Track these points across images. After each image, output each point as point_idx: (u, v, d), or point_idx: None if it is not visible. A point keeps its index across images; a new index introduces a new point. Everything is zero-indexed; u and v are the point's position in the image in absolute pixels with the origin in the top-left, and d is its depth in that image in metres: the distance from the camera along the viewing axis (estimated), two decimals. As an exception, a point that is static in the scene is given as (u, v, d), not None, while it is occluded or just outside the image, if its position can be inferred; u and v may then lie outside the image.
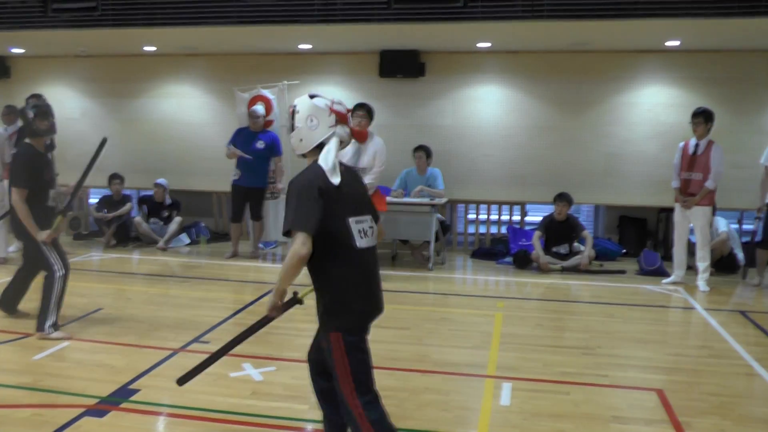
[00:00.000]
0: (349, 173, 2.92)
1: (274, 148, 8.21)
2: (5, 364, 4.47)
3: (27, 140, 5.13)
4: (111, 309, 5.94)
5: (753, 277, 7.18)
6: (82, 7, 7.74)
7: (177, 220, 9.20)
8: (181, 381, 3.40)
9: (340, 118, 2.86)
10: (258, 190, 8.23)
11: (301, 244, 2.62)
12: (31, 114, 5.08)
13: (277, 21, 7.50)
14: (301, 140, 2.86)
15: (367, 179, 6.68)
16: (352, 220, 2.77)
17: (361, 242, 2.78)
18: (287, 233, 2.70)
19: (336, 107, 2.87)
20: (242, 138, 8.13)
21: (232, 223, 8.45)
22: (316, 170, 2.75)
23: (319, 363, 3.04)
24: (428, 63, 8.97)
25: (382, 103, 8.78)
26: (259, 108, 8.24)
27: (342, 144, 2.86)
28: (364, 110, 6.75)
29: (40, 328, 4.96)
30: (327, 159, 2.75)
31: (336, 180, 2.73)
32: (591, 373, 4.41)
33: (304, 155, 2.91)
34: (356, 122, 6.64)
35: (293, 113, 2.89)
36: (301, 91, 9.14)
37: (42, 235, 4.91)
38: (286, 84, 8.60)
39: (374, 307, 2.91)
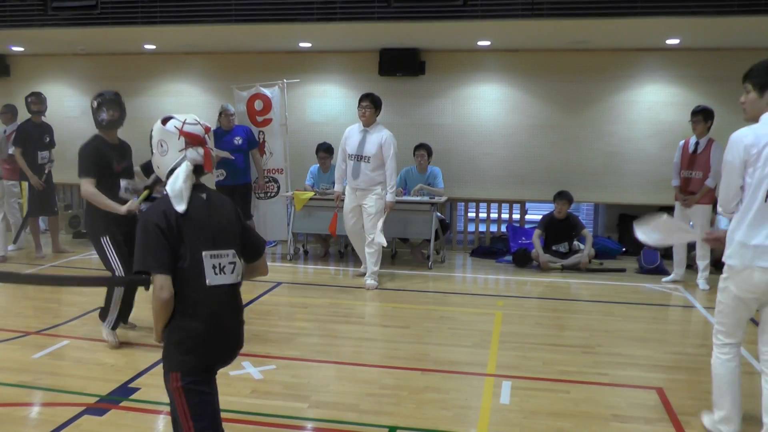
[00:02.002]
0: (214, 201, 2.67)
1: (252, 141, 8.23)
2: (5, 362, 4.47)
3: (97, 132, 5.21)
4: (111, 307, 5.93)
5: None
6: (81, 5, 7.72)
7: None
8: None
9: (192, 140, 2.64)
10: (243, 188, 8.23)
11: (159, 288, 2.43)
12: (95, 104, 5.10)
13: (277, 19, 7.50)
14: (158, 167, 2.69)
15: (388, 197, 6.75)
16: (206, 254, 2.52)
17: (214, 279, 2.52)
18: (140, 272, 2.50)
19: (188, 128, 2.64)
20: (218, 139, 8.12)
21: None
22: (163, 207, 2.53)
23: None
24: (428, 61, 8.96)
25: (382, 101, 8.76)
26: (230, 106, 8.24)
27: (198, 168, 2.64)
28: (369, 100, 6.76)
29: (102, 318, 4.94)
30: (174, 185, 2.54)
31: (180, 207, 2.51)
32: (591, 372, 4.42)
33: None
34: (362, 112, 6.72)
35: (150, 137, 2.71)
36: (300, 90, 9.21)
37: (123, 209, 4.67)
38: (285, 83, 8.59)
39: (217, 353, 2.60)
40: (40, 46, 9.57)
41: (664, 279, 7.24)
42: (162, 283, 2.43)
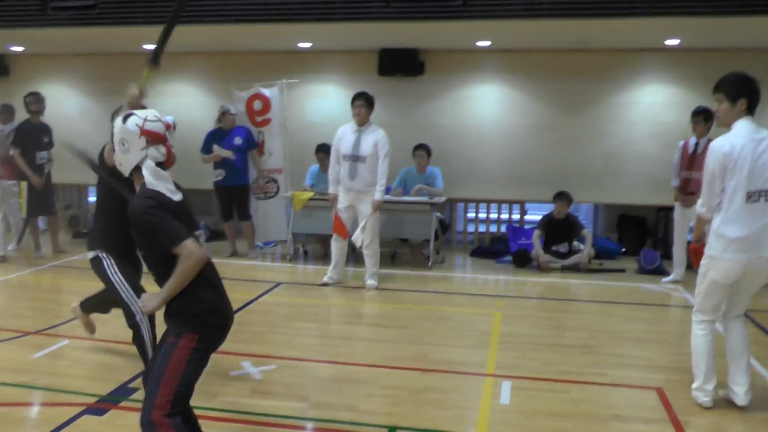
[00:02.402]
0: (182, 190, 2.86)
1: (251, 142, 8.23)
2: (5, 362, 4.47)
3: None
4: (110, 307, 5.93)
5: None
6: (80, 5, 7.72)
7: None
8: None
9: (153, 139, 2.71)
10: (242, 188, 8.22)
11: (190, 252, 2.62)
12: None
13: (276, 19, 7.49)
14: (120, 164, 2.79)
15: (377, 195, 6.64)
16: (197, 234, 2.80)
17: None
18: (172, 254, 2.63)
19: (149, 126, 2.71)
20: (218, 139, 8.13)
21: (224, 223, 8.47)
22: (149, 193, 2.67)
23: None
24: (428, 61, 8.96)
25: (381, 101, 8.74)
26: (230, 106, 8.25)
27: (161, 164, 2.75)
28: (363, 99, 6.71)
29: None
30: (155, 183, 2.69)
31: (177, 197, 2.75)
32: (590, 372, 4.41)
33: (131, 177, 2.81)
34: (356, 111, 6.64)
35: (111, 136, 2.79)
36: (300, 90, 9.21)
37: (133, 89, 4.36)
38: (285, 82, 8.59)
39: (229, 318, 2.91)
40: (40, 46, 9.56)
41: (664, 279, 7.24)
42: (191, 246, 2.61)
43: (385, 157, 6.65)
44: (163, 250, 2.65)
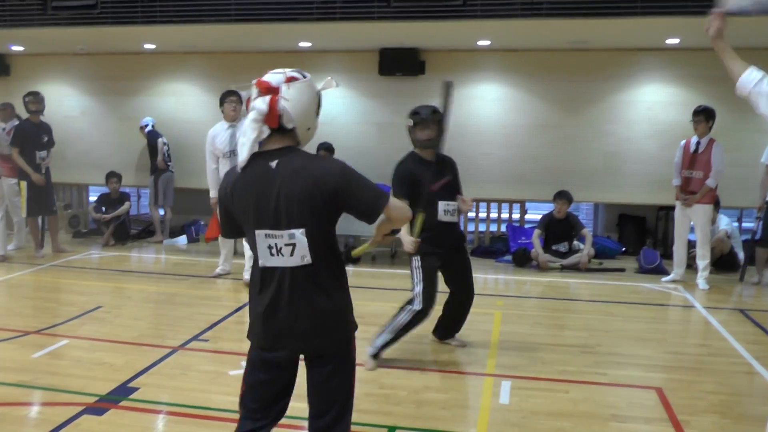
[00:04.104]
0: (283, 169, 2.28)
1: None
2: (4, 362, 4.47)
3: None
4: (110, 307, 5.94)
5: (752, 275, 7.18)
6: (81, 5, 7.73)
7: (126, 205, 9.20)
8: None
9: (263, 89, 2.42)
10: None
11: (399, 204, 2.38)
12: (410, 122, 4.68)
13: (277, 19, 7.49)
14: (309, 129, 2.41)
15: None
16: (259, 233, 2.29)
17: (268, 260, 2.30)
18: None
19: (265, 77, 2.45)
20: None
21: None
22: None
23: None
24: (428, 61, 8.96)
25: (382, 101, 8.78)
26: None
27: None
28: (237, 96, 6.74)
29: (372, 344, 4.51)
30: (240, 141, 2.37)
31: (241, 163, 2.33)
32: (590, 372, 4.41)
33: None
34: (231, 107, 6.66)
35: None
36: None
37: (408, 246, 4.12)
38: (285, 82, 8.58)
39: (264, 342, 2.38)
40: (40, 46, 9.57)
41: (664, 279, 7.24)
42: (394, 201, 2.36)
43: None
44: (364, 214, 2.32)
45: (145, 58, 9.84)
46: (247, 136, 2.31)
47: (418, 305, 4.40)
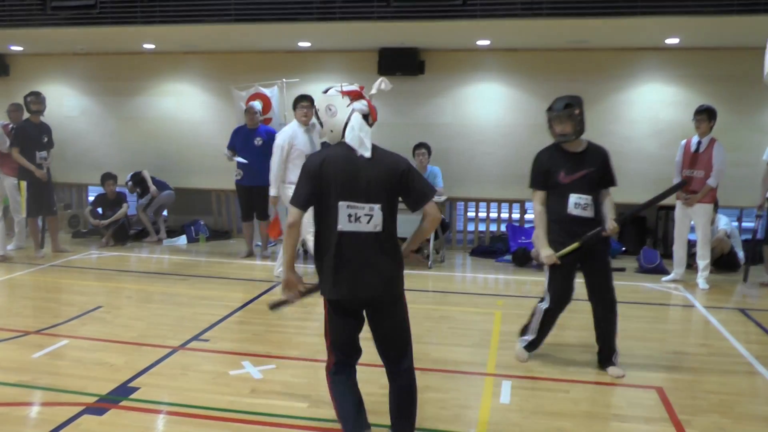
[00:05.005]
0: (374, 158, 2.96)
1: (272, 143, 8.16)
2: (5, 362, 4.47)
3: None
4: (110, 307, 5.94)
5: (760, 275, 7.15)
6: (81, 5, 7.73)
7: (124, 207, 9.20)
8: (273, 307, 3.45)
9: (354, 96, 3.02)
10: (261, 189, 8.14)
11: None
12: None
13: (276, 19, 7.50)
14: (331, 130, 3.03)
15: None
16: (342, 204, 2.90)
17: (346, 226, 2.92)
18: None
19: (347, 88, 3.04)
20: (241, 137, 8.10)
21: (243, 223, 8.43)
22: (340, 147, 2.99)
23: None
24: (428, 61, 8.96)
25: (381, 101, 8.73)
26: (256, 104, 8.21)
27: (365, 117, 3.02)
28: (309, 101, 6.79)
29: (520, 338, 4.66)
30: (352, 134, 2.93)
31: (366, 153, 2.94)
32: (590, 371, 4.41)
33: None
34: (303, 112, 6.76)
35: (315, 113, 3.10)
36: (299, 89, 9.14)
37: (546, 258, 4.30)
38: (285, 82, 8.58)
39: (347, 292, 2.99)
40: (40, 46, 9.57)
41: (664, 278, 7.24)
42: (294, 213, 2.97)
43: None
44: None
45: (145, 58, 9.84)
46: (364, 130, 2.95)
47: (545, 303, 4.43)
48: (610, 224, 4.22)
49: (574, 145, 4.40)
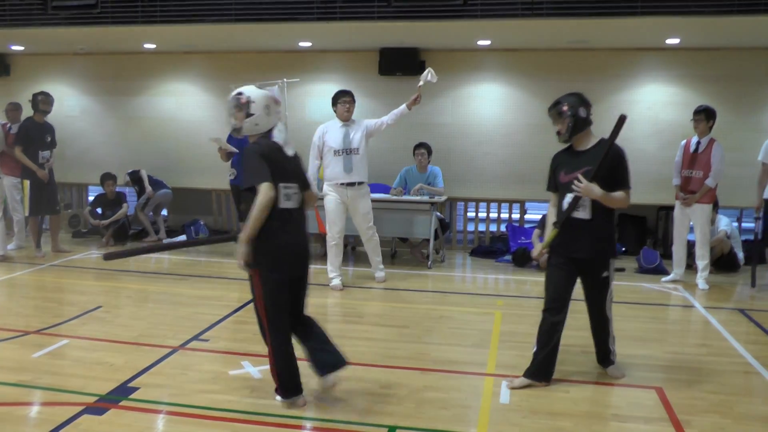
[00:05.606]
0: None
1: None
2: (5, 361, 4.47)
3: None
4: (110, 307, 5.94)
5: (764, 276, 7.15)
6: (81, 4, 7.73)
7: (124, 207, 9.21)
8: (108, 256, 4.14)
9: (279, 104, 3.68)
10: (253, 188, 8.13)
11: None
12: None
13: (277, 18, 7.50)
14: (257, 125, 3.65)
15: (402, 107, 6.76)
16: (281, 185, 3.59)
17: (284, 203, 3.62)
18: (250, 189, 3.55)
19: (278, 97, 3.75)
20: (235, 138, 8.08)
21: (240, 222, 8.41)
22: (264, 142, 3.67)
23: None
24: (428, 61, 8.95)
25: (382, 101, 8.78)
26: None
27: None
28: (350, 96, 6.80)
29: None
30: (282, 137, 3.70)
31: (291, 152, 3.73)
32: (590, 371, 4.41)
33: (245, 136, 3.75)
34: (345, 107, 6.72)
35: (247, 103, 3.61)
36: (300, 89, 9.20)
37: (534, 252, 4.27)
38: (285, 82, 8.59)
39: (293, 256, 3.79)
40: (40, 46, 9.57)
41: (664, 279, 7.24)
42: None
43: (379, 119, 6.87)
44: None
45: (145, 58, 9.84)
46: (285, 133, 3.78)
47: (544, 307, 4.18)
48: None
49: (581, 144, 4.32)
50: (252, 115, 3.61)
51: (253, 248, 3.61)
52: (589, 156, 4.19)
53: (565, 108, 4.28)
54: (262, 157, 3.53)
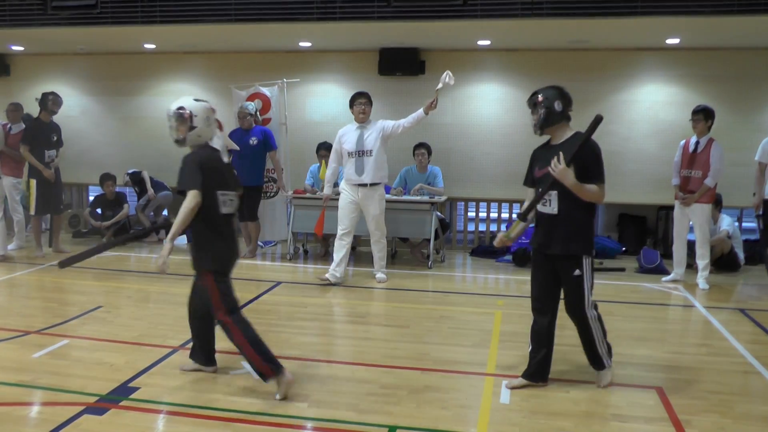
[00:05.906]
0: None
1: (267, 143, 8.15)
2: (5, 361, 4.47)
3: None
4: (110, 307, 5.94)
5: (762, 276, 7.15)
6: (81, 4, 7.73)
7: (125, 208, 9.23)
8: (62, 264, 4.20)
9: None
10: (254, 189, 8.13)
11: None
12: None
13: (277, 19, 7.50)
14: (199, 136, 3.90)
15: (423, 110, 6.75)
16: (220, 193, 3.85)
17: (224, 209, 3.91)
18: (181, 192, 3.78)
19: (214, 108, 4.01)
20: (235, 137, 8.08)
21: (240, 223, 8.41)
22: (205, 152, 3.92)
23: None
24: (428, 61, 8.96)
25: (382, 101, 8.77)
26: (248, 105, 8.20)
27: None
28: (366, 98, 6.85)
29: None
30: (220, 144, 4.03)
31: (226, 159, 4.04)
32: (590, 371, 4.40)
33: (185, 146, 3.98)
34: (360, 109, 6.77)
35: (190, 116, 3.89)
36: (300, 89, 9.21)
37: (496, 240, 4.32)
38: (285, 82, 8.59)
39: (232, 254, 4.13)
40: (40, 46, 9.57)
41: (664, 278, 7.24)
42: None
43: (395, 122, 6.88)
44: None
45: (145, 58, 9.84)
46: (221, 139, 4.30)
47: (531, 306, 4.19)
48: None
49: (556, 137, 4.28)
50: (195, 127, 3.86)
51: (204, 254, 3.91)
52: (563, 148, 4.13)
53: (540, 99, 4.28)
54: (200, 167, 3.74)
